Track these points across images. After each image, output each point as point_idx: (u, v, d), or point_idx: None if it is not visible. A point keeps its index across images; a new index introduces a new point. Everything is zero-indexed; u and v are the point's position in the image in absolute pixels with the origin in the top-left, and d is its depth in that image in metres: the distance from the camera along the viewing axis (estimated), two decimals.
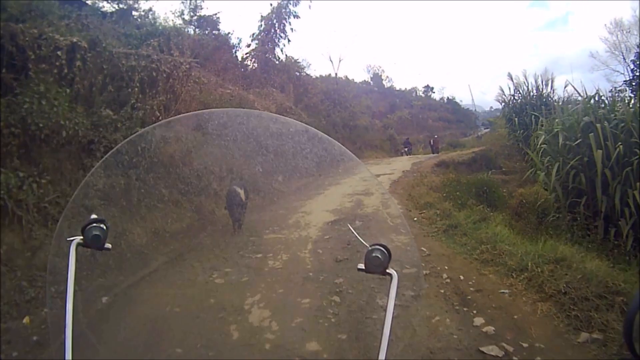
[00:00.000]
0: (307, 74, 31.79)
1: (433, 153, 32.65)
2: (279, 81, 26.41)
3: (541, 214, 12.19)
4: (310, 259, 7.90)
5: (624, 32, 29.03)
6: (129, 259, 7.96)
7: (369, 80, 52.65)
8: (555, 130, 10.55)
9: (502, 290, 6.55)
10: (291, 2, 27.47)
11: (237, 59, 27.05)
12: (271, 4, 27.56)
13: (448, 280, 6.92)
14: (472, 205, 11.73)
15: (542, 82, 19.28)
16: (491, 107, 56.16)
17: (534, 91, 19.31)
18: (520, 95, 19.74)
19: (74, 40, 9.08)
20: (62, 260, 1.85)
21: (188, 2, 26.47)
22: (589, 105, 10.44)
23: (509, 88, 20.37)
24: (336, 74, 39.72)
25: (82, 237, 1.82)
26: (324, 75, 37.91)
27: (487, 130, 44.23)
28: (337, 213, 11.02)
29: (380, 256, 1.82)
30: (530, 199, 13.30)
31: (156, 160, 9.58)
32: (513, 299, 6.28)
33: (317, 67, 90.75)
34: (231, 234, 9.01)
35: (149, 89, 10.53)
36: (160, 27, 16.09)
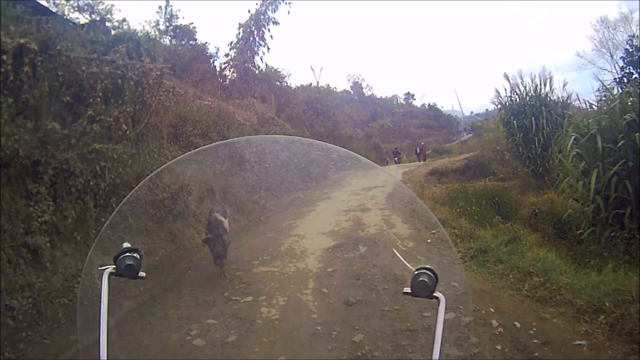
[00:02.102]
0: (288, 84, 30.40)
1: (419, 161, 31.44)
2: (260, 91, 25.01)
3: (559, 225, 10.80)
4: (314, 303, 6.13)
5: (610, 29, 27.92)
6: (86, 308, 6.22)
7: (350, 90, 51.69)
8: (592, 131, 8.89)
9: (578, 342, 4.83)
10: (270, 8, 26.09)
11: (216, 69, 25.87)
12: (249, 11, 26.35)
13: (501, 330, 5.18)
14: (491, 220, 10.10)
15: (540, 82, 17.83)
16: (472, 112, 55.62)
17: (532, 91, 17.83)
18: (517, 96, 18.23)
19: (21, 41, 7.53)
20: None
21: (163, 12, 25.24)
22: (630, 101, 8.82)
23: (505, 89, 18.85)
24: (318, 82, 38.47)
25: (114, 267, 1.77)
26: (305, 84, 36.66)
27: (469, 135, 43.58)
28: (335, 236, 9.34)
29: (427, 280, 1.73)
30: (543, 208, 11.74)
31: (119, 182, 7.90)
32: (596, 353, 4.60)
33: (298, 77, 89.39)
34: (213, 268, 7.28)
35: (113, 98, 8.92)
36: (130, 33, 14.52)
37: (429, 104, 56.52)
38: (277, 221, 11.61)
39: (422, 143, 37.30)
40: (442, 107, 57.39)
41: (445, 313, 1.70)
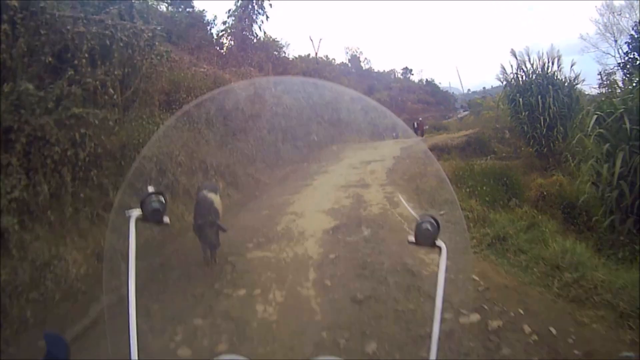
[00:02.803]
0: (286, 54, 29.94)
1: (417, 136, 30.64)
2: (257, 60, 24.23)
3: (569, 209, 10.27)
4: (317, 299, 5.37)
5: (615, 14, 27.04)
6: (57, 304, 5.44)
7: (347, 62, 50.52)
8: (619, 111, 8.11)
9: (626, 354, 4.06)
10: None
11: (213, 37, 24.95)
12: None
13: (535, 338, 4.42)
14: (504, 202, 9.35)
15: (548, 60, 17.01)
16: (468, 90, 54.79)
17: (539, 69, 17.02)
18: (524, 73, 17.42)
19: None
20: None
21: None
22: None
23: (511, 66, 18.03)
24: (316, 53, 37.28)
25: (140, 211, 1.74)
26: (303, 55, 35.51)
27: (466, 112, 42.97)
28: (335, 215, 8.60)
29: (430, 228, 1.76)
30: (552, 190, 11.07)
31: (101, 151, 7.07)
32: None
33: (296, 47, 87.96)
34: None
35: (101, 60, 8.15)
36: None
37: (427, 79, 55.39)
38: (272, 196, 10.85)
39: (420, 118, 36.38)
40: (440, 83, 56.40)
41: (446, 262, 1.69)
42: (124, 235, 1.64)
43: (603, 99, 9.63)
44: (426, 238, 1.75)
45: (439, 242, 1.74)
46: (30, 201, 5.90)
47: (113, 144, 7.51)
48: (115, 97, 8.14)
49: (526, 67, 17.45)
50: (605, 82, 20.41)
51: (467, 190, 10.25)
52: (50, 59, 7.21)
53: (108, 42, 8.34)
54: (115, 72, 8.33)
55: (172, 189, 8.38)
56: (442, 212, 8.33)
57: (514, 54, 17.79)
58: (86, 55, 7.75)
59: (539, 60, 17.28)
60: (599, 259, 6.28)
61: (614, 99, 8.90)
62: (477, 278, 5.72)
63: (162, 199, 1.76)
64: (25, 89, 6.21)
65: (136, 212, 1.72)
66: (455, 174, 12.05)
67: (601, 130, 8.63)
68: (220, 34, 25.42)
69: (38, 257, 5.71)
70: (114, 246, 6.99)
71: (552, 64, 16.99)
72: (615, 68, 24.16)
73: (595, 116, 8.92)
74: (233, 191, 10.65)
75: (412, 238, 1.79)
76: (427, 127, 36.01)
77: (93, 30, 8.09)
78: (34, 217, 5.97)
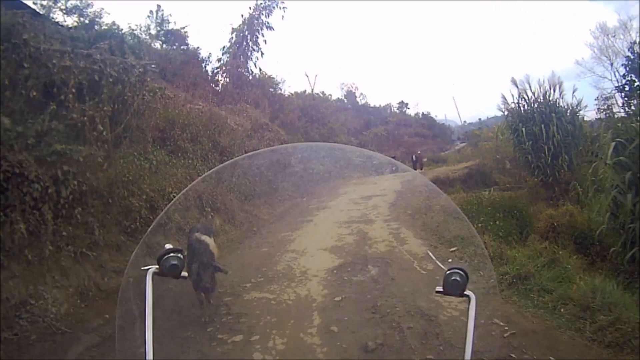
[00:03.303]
0: (282, 91, 29.50)
1: (415, 169, 30.36)
2: (253, 97, 23.97)
3: (580, 240, 9.81)
4: (323, 348, 4.76)
5: (609, 36, 26.92)
6: (32, 344, 4.90)
7: (343, 98, 50.53)
8: None
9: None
10: (264, 12, 24.90)
11: (208, 74, 24.74)
12: (242, 15, 25.00)
13: None
14: (517, 237, 8.82)
15: (550, 87, 16.69)
16: (464, 122, 54.96)
17: (541, 98, 16.70)
18: (525, 102, 17.09)
19: None
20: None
21: (154, 16, 24.15)
22: None
23: (512, 95, 17.74)
24: (312, 89, 37.18)
25: (157, 267, 1.79)
26: (299, 91, 35.42)
27: (463, 144, 43.00)
28: (339, 253, 8.05)
29: (459, 279, 1.79)
30: (562, 221, 10.54)
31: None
32: None
33: (292, 83, 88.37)
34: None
35: (89, 96, 7.91)
36: (112, 30, 13.30)
37: (423, 112, 55.52)
38: (271, 233, 10.31)
39: (419, 151, 36.20)
40: (436, 115, 56.55)
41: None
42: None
43: (619, 124, 9.13)
44: (455, 288, 1.78)
45: (468, 292, 1.78)
46: (5, 239, 5.51)
47: (100, 181, 7.05)
48: (104, 133, 7.81)
49: (527, 96, 17.12)
50: (602, 107, 20.22)
51: (479, 225, 9.50)
52: (34, 93, 6.97)
53: (97, 77, 8.13)
54: (105, 108, 8.04)
55: (163, 226, 7.84)
56: (452, 249, 7.80)
57: (514, 82, 17.51)
58: (73, 90, 7.55)
59: (540, 88, 16.94)
60: (630, 296, 5.69)
61: (632, 124, 8.41)
62: (501, 322, 5.12)
63: (181, 256, 1.80)
64: (4, 124, 5.77)
65: (153, 268, 1.78)
66: (462, 207, 11.44)
67: (621, 158, 8.13)
68: (216, 71, 25.19)
69: (13, 296, 5.36)
70: (99, 285, 6.53)
71: (554, 91, 16.69)
72: (613, 92, 23.70)
73: (614, 143, 8.42)
74: (230, 228, 10.13)
75: (440, 288, 1.82)
76: (425, 159, 35.77)
77: (81, 64, 7.93)
78: (10, 255, 5.57)
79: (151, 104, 10.04)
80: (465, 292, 1.80)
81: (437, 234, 9.16)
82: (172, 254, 1.79)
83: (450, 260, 7.39)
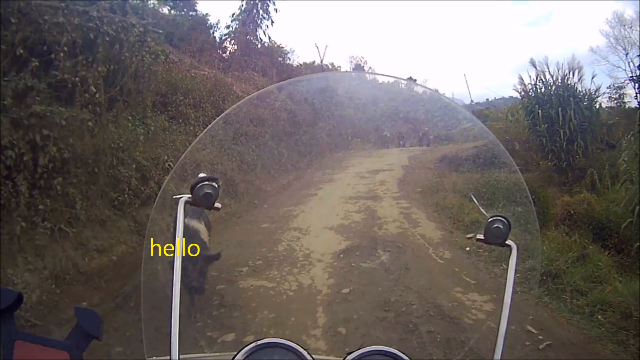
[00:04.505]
0: (291, 61, 28.78)
1: (422, 146, 29.89)
2: (261, 65, 23.39)
3: (598, 230, 9.20)
4: (329, 357, 4.01)
5: (626, 27, 26.15)
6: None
7: (351, 71, 49.81)
8: None
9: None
10: None
11: (215, 41, 24.14)
12: None
13: None
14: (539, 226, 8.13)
15: (569, 71, 15.98)
16: (472, 101, 54.15)
17: (559, 81, 16.05)
18: (543, 84, 16.39)
19: None
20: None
21: None
22: None
23: (529, 77, 17.06)
24: (322, 61, 36.40)
25: (190, 196, 1.58)
26: (308, 62, 34.65)
27: (469, 124, 42.14)
28: (346, 233, 7.40)
29: (501, 227, 1.62)
30: (579, 209, 9.94)
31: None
32: None
33: (301, 54, 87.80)
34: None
35: (83, 55, 7.27)
36: None
37: (430, 89, 55.06)
38: (273, 207, 9.76)
39: (427, 128, 35.72)
40: (444, 93, 55.88)
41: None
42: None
43: None
44: (496, 237, 1.60)
45: (510, 242, 1.62)
46: None
47: (86, 148, 6.37)
48: (97, 95, 7.16)
49: (545, 78, 16.43)
50: (614, 96, 19.59)
51: (500, 210, 8.86)
52: (21, 51, 6.34)
53: (92, 36, 7.48)
54: (99, 69, 7.45)
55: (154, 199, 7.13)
56: (469, 236, 7.10)
57: (533, 63, 16.77)
58: (65, 48, 6.91)
59: (559, 71, 16.23)
60: None
61: None
62: (534, 330, 4.41)
63: (216, 184, 1.54)
64: None
65: (185, 197, 1.55)
66: (478, 190, 10.70)
67: None
68: (224, 37, 24.65)
69: None
70: (78, 267, 5.89)
71: (573, 75, 15.99)
72: (627, 82, 22.97)
73: None
74: (230, 200, 9.47)
75: (480, 236, 1.64)
76: (432, 137, 35.30)
77: (75, 21, 7.24)
78: None
79: (152, 66, 9.43)
80: (507, 242, 1.62)
81: (450, 216, 8.46)
82: (206, 182, 1.55)
83: (468, 248, 6.73)
